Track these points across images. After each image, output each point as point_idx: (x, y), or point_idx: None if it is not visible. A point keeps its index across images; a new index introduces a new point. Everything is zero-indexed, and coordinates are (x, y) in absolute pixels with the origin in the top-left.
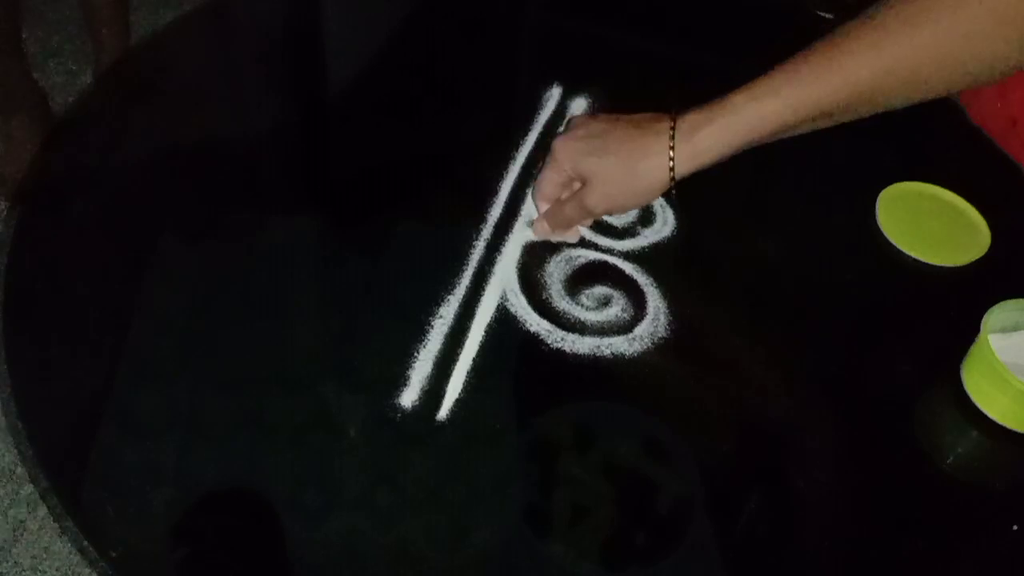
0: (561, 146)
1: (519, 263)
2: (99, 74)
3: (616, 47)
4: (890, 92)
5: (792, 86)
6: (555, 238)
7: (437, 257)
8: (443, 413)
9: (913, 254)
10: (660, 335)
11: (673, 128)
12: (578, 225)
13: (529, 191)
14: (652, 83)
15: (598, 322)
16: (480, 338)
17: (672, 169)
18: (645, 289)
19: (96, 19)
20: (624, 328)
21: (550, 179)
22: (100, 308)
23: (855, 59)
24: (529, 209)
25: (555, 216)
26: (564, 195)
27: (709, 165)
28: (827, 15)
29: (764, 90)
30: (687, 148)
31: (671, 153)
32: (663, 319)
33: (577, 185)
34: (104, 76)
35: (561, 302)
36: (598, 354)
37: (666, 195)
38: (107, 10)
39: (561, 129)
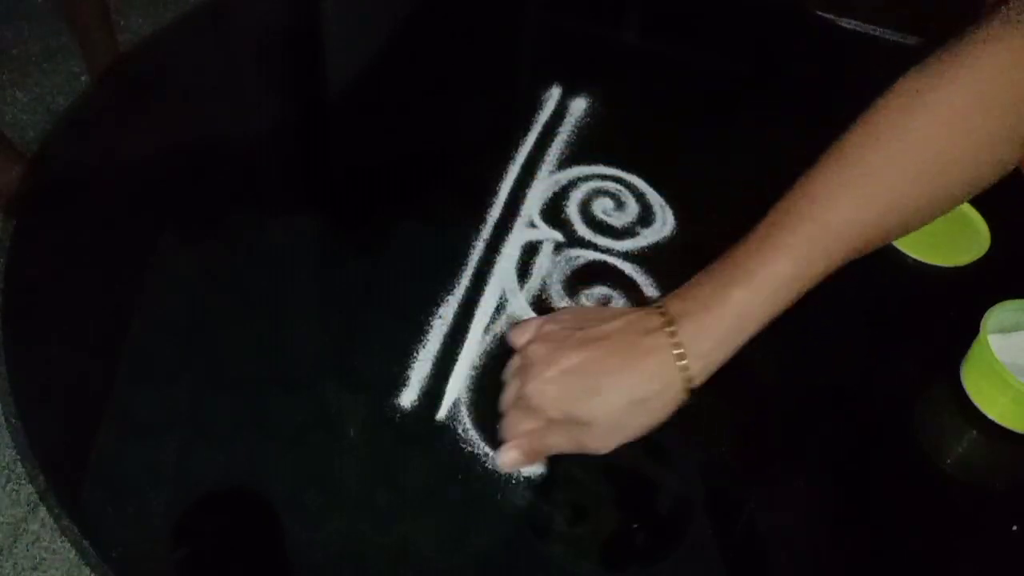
0: (536, 393)
1: (518, 263)
2: (99, 74)
3: (616, 47)
4: (902, 222)
5: (790, 259)
6: (529, 463)
7: (437, 257)
8: (442, 413)
9: (913, 254)
10: None
11: (674, 339)
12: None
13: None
14: (652, 83)
15: None
16: (479, 338)
17: (691, 392)
18: (644, 289)
19: (81, 21)
20: None
21: (525, 426)
22: (100, 308)
23: (844, 212)
24: (529, 209)
25: (534, 447)
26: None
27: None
28: (827, 15)
29: (764, 277)
30: (700, 362)
31: (685, 372)
32: None
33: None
34: (104, 76)
35: (561, 302)
36: None
37: (672, 186)
38: (89, 9)
39: (512, 337)
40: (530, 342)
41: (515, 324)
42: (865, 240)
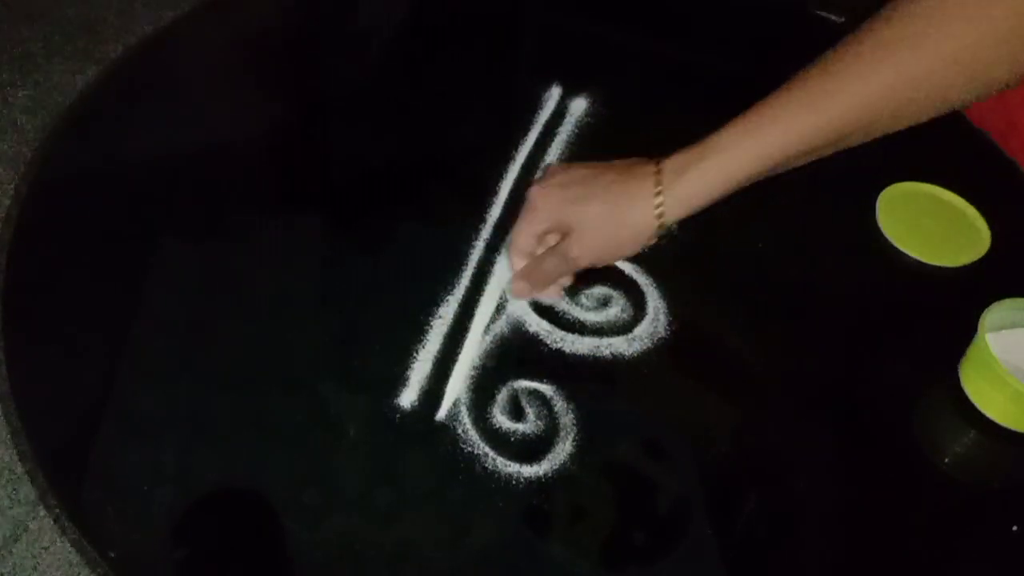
0: (539, 194)
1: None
2: (99, 74)
3: (616, 47)
4: (881, 120)
5: (781, 123)
6: (536, 297)
7: (437, 257)
8: (442, 413)
9: (913, 254)
10: (660, 335)
11: (659, 173)
12: (559, 281)
13: (504, 245)
14: (652, 83)
15: (597, 322)
16: (479, 338)
17: (660, 216)
18: (645, 289)
19: None
20: (624, 328)
21: (527, 231)
22: (100, 308)
23: (846, 89)
24: None
25: (534, 272)
26: (540, 251)
27: (699, 209)
28: (827, 15)
29: (754, 127)
30: (674, 193)
31: (658, 200)
32: (663, 319)
33: (552, 239)
34: (104, 76)
35: (560, 302)
36: (597, 354)
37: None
38: None
39: (537, 176)
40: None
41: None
42: (863, 119)
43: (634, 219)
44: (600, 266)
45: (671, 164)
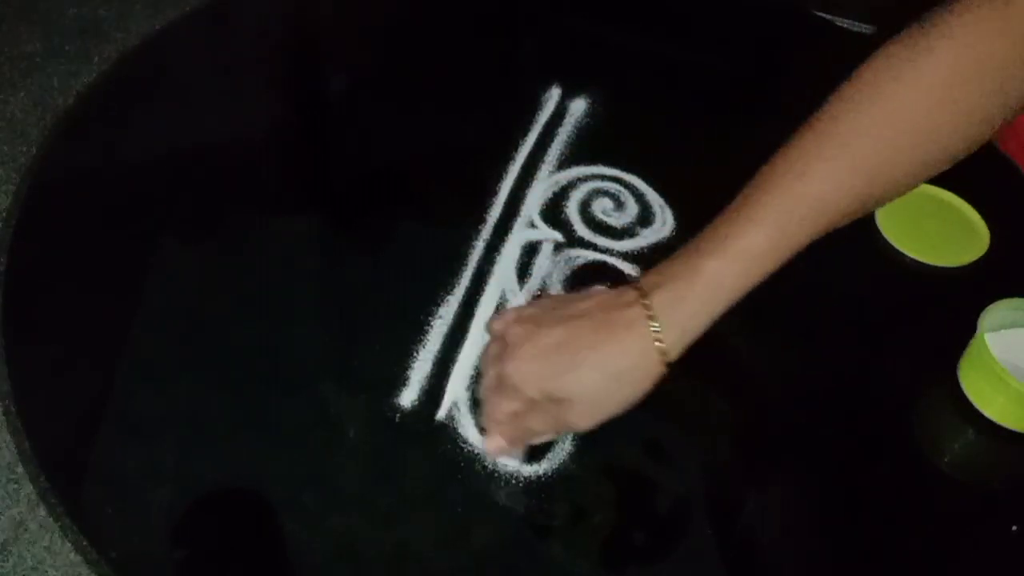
0: (515, 372)
1: (518, 263)
2: (99, 74)
3: (616, 47)
4: (875, 194)
5: (764, 238)
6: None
7: (437, 257)
8: (442, 413)
9: (912, 254)
10: None
11: (651, 315)
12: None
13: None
14: (652, 83)
15: None
16: (479, 338)
17: (667, 365)
18: None
19: None
20: None
21: (505, 408)
22: (100, 308)
23: (819, 183)
24: (529, 209)
25: (515, 432)
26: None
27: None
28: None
29: (738, 248)
30: (674, 333)
31: (660, 344)
32: None
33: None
34: (104, 76)
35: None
36: None
37: (671, 185)
38: None
39: (491, 325)
40: (508, 326)
41: (493, 315)
42: (842, 211)
43: (639, 379)
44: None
45: (660, 302)
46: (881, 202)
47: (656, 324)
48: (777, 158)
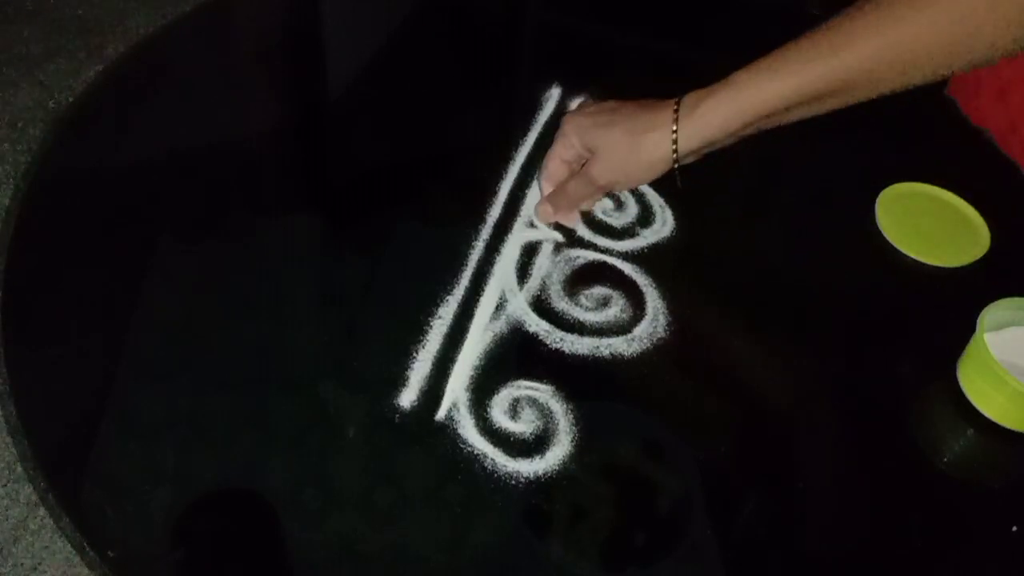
0: (570, 120)
1: (518, 263)
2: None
3: (616, 47)
4: (887, 74)
5: (793, 65)
6: (558, 219)
7: (436, 257)
8: (441, 413)
9: (912, 255)
10: (659, 335)
11: (677, 107)
12: (580, 209)
13: (534, 181)
14: (652, 83)
15: (597, 322)
16: (479, 338)
17: (675, 143)
18: (644, 290)
19: None
20: (623, 328)
21: (557, 155)
22: (100, 308)
23: (856, 41)
24: (528, 209)
25: (559, 196)
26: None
27: (711, 142)
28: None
29: (766, 68)
30: (690, 124)
31: (674, 130)
32: (662, 319)
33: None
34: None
35: (560, 302)
36: (597, 354)
37: (671, 184)
38: None
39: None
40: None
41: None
42: (871, 70)
43: (651, 147)
44: (616, 190)
45: (689, 99)
46: (907, 81)
47: (676, 116)
48: (829, 21)
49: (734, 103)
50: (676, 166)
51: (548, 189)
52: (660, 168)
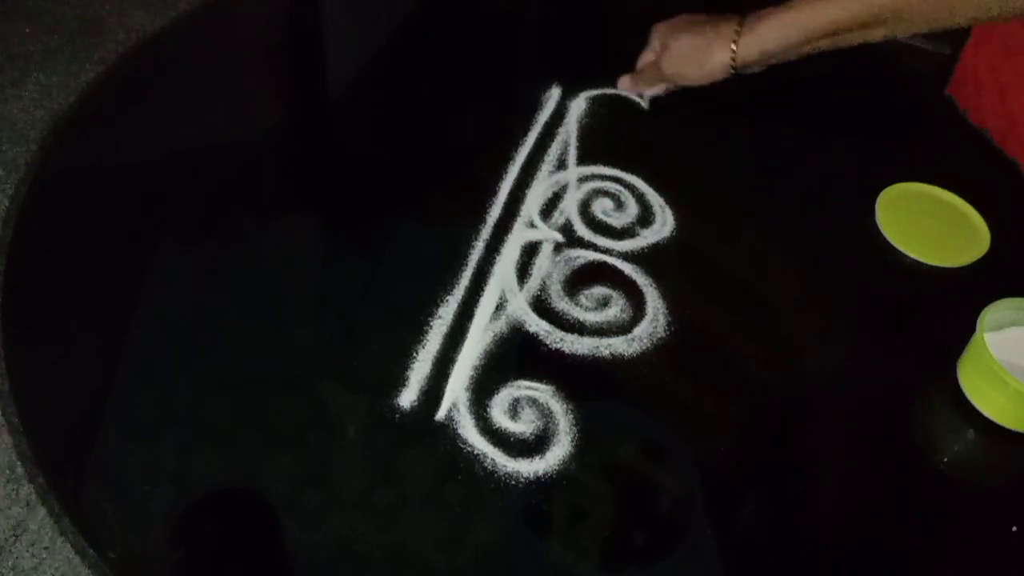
0: (656, 27)
1: (518, 263)
2: (99, 74)
3: (616, 47)
4: (923, 12)
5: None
6: (633, 88)
7: (436, 257)
8: (442, 413)
9: (912, 254)
10: (659, 335)
11: (742, 20)
12: (647, 92)
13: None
14: None
15: (597, 322)
16: (479, 338)
17: (734, 55)
18: (644, 290)
19: None
20: (623, 328)
21: (644, 57)
22: (100, 308)
23: None
24: (529, 209)
25: (636, 76)
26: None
27: (770, 55)
28: None
29: (821, 10)
30: (750, 36)
31: (735, 39)
32: (662, 319)
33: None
34: (104, 76)
35: (560, 302)
36: (597, 354)
37: (671, 184)
38: None
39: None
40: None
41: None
42: (910, 6)
43: (711, 52)
44: (676, 85)
45: (752, 16)
46: (933, 24)
47: (739, 29)
48: None
49: (793, 22)
50: (733, 72)
51: (628, 81)
52: (717, 74)
